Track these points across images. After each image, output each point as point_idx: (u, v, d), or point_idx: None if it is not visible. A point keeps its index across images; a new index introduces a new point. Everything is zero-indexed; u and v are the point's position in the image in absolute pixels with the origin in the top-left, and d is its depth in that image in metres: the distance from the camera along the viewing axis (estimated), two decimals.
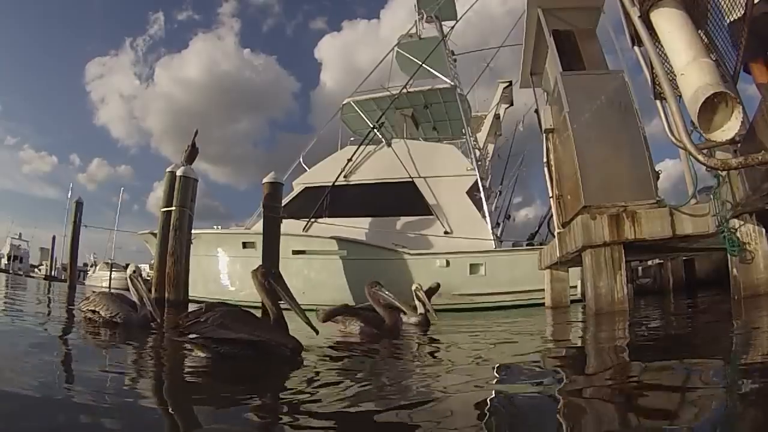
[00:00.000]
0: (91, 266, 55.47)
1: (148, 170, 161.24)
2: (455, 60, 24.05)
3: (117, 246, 61.28)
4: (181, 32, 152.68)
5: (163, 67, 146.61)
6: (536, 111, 13.84)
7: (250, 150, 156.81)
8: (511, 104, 24.14)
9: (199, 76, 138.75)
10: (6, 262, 69.05)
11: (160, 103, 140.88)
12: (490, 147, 23.54)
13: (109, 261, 56.62)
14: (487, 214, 18.09)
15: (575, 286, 14.39)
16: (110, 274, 50.28)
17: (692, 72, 4.89)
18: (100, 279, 52.96)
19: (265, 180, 16.27)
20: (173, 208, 15.28)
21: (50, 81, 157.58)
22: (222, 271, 20.08)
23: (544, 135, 12.44)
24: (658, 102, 7.38)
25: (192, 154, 16.43)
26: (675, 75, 5.30)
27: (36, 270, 73.27)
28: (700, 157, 4.96)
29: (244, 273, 18.15)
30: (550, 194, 12.31)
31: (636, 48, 6.98)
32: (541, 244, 16.83)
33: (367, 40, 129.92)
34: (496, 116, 23.80)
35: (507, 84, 23.82)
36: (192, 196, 15.66)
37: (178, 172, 15.60)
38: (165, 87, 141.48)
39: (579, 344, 6.66)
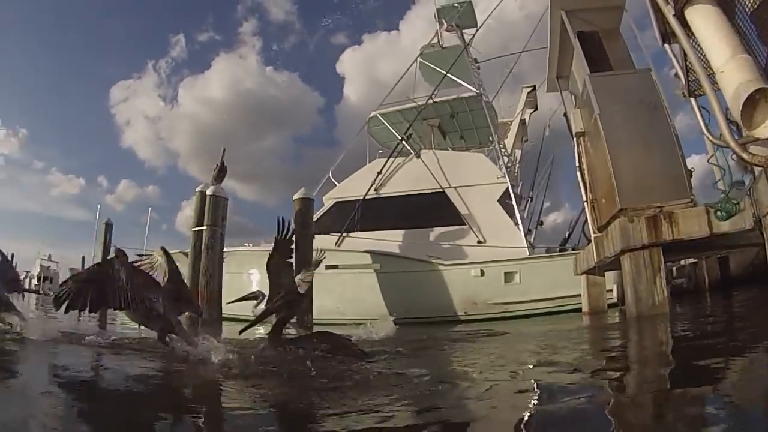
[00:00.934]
0: None
1: (175, 190, 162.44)
2: (478, 67, 23.93)
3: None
4: (203, 53, 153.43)
5: (187, 88, 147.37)
6: (565, 115, 13.70)
7: (277, 166, 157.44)
8: (536, 109, 23.92)
9: (223, 95, 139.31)
10: (36, 283, 69.67)
11: (186, 123, 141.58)
12: (518, 153, 23.33)
13: None
14: (519, 221, 17.93)
15: (611, 290, 14.24)
16: None
17: (732, 69, 4.84)
18: None
19: (295, 196, 16.34)
20: (204, 227, 15.34)
21: (76, 106, 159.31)
22: (254, 288, 19.61)
23: (574, 139, 12.34)
24: (692, 100, 7.27)
25: (221, 173, 16.49)
26: (712, 72, 5.25)
27: None
28: (744, 155, 4.90)
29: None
30: (584, 198, 12.15)
31: (666, 46, 6.89)
32: (573, 249, 16.77)
33: (388, 52, 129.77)
34: (522, 122, 23.62)
35: (531, 88, 23.68)
36: (223, 214, 15.69)
37: (208, 192, 15.67)
38: (190, 107, 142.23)
39: (625, 351, 6.56)
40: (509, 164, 20.56)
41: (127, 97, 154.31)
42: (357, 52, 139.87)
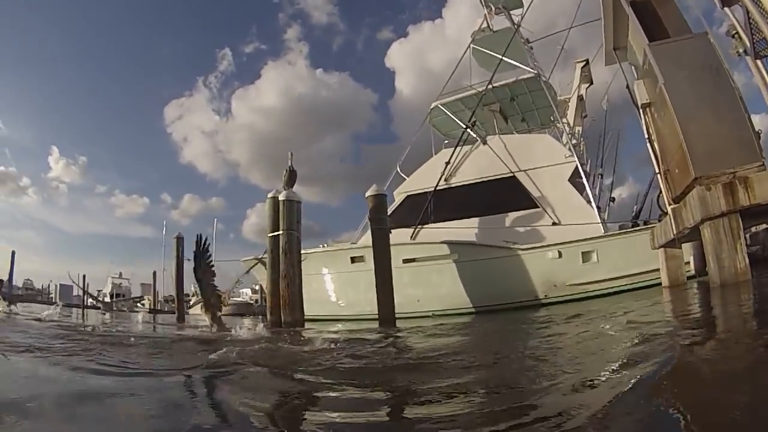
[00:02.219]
0: (193, 296, 57.29)
1: (239, 199, 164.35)
2: (531, 47, 23.61)
3: (218, 275, 62.89)
4: (251, 63, 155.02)
5: (240, 100, 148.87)
6: (627, 87, 13.65)
7: (338, 166, 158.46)
8: (591, 83, 23.58)
9: (277, 102, 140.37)
10: (109, 300, 71.70)
11: (243, 134, 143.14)
12: (578, 129, 22.86)
13: None
14: (591, 198, 17.88)
15: (688, 262, 14.05)
16: None
17: None
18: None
19: (368, 194, 16.59)
20: (280, 232, 15.68)
21: (132, 129, 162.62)
22: (333, 288, 20.48)
23: (640, 110, 12.26)
24: (758, 62, 7.35)
25: (292, 178, 16.88)
26: None
27: (139, 305, 76.02)
28: None
29: (354, 288, 18.96)
30: (657, 170, 12.06)
31: (726, 9, 7.01)
32: (645, 223, 16.61)
33: (435, 41, 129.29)
34: (580, 98, 23.26)
35: (584, 63, 23.31)
36: (297, 218, 15.99)
37: (281, 197, 16.04)
38: (245, 118, 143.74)
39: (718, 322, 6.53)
40: (574, 142, 20.36)
41: (181, 115, 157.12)
42: (404, 45, 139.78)
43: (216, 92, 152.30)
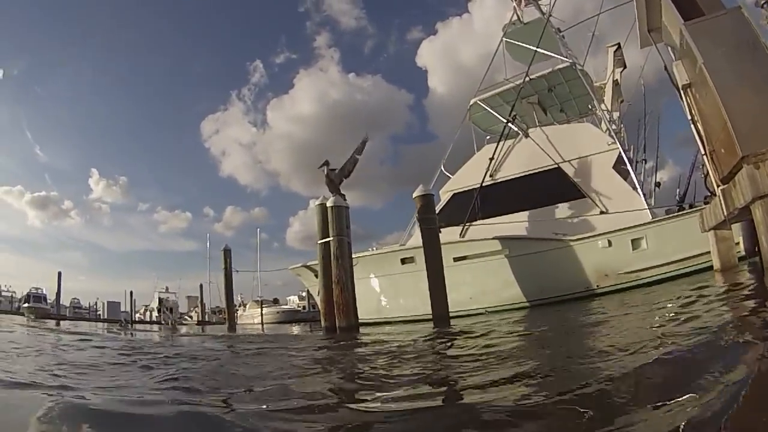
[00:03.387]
0: (240, 306, 57.88)
1: (281, 208, 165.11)
2: (563, 36, 23.48)
3: (263, 283, 64.08)
4: (283, 74, 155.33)
5: (275, 110, 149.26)
6: (666, 69, 13.58)
7: (378, 169, 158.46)
8: (625, 67, 23.08)
9: (312, 110, 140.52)
10: (156, 315, 72.82)
11: (281, 143, 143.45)
12: (615, 115, 22.69)
13: (259, 298, 59.20)
14: (637, 185, 17.67)
15: (738, 243, 13.72)
16: (261, 311, 52.29)
17: None
18: (251, 316, 55.35)
19: (415, 194, 16.90)
20: (331, 238, 15.96)
21: (170, 147, 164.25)
22: (384, 291, 20.64)
23: (681, 92, 12.22)
24: None
25: (332, 185, 17.24)
26: None
27: (186, 317, 77.14)
28: None
29: (405, 290, 19.16)
30: (702, 151, 11.93)
31: None
32: (690, 206, 16.47)
33: (464, 36, 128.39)
34: (615, 82, 22.93)
35: (616, 47, 22.72)
36: (346, 223, 16.27)
37: (329, 203, 16.35)
38: (281, 127, 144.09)
39: None
40: (615, 128, 20.21)
41: (218, 129, 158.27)
42: (433, 43, 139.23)
43: (250, 104, 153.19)
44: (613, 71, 22.78)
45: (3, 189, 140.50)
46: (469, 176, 20.73)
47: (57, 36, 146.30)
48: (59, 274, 62.40)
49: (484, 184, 19.62)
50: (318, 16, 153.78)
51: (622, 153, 18.08)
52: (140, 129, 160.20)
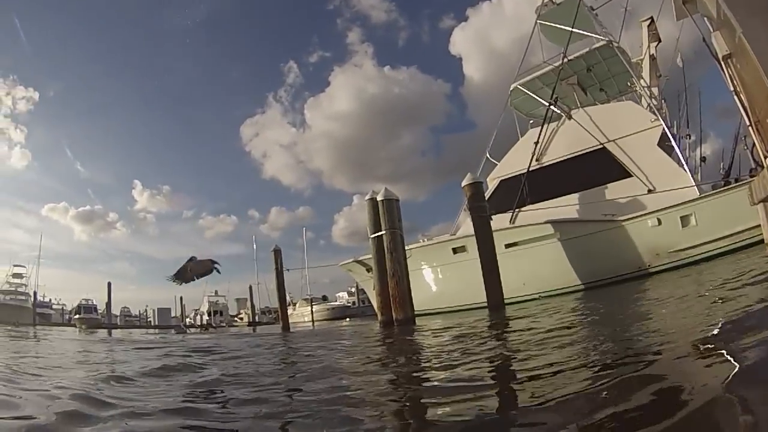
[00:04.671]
0: (290, 305, 58.75)
1: (325, 206, 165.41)
2: (596, 14, 23.18)
3: (311, 282, 64.69)
4: (318, 72, 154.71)
5: (313, 109, 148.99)
6: (704, 40, 13.46)
7: (419, 160, 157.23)
8: (660, 41, 22.71)
9: (350, 106, 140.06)
10: (207, 318, 73.88)
11: (321, 141, 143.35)
12: (655, 91, 21.89)
13: (308, 297, 59.75)
14: (683, 161, 17.56)
15: None
16: (311, 308, 52.76)
17: None
18: (302, 315, 55.95)
19: (464, 183, 17.01)
20: (383, 231, 16.08)
21: (211, 153, 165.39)
22: (437, 280, 20.86)
23: (721, 63, 12.11)
24: None
25: (187, 274, 17.62)
26: None
27: (236, 319, 78.22)
28: None
29: (458, 279, 19.33)
30: (748, 122, 11.77)
31: None
32: (736, 180, 16.33)
33: (496, 21, 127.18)
34: (651, 57, 22.57)
35: (649, 21, 22.64)
36: (398, 216, 16.33)
37: (379, 197, 16.41)
38: (321, 126, 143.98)
39: None
40: (656, 104, 19.93)
41: (258, 132, 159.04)
42: (465, 30, 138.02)
43: (288, 105, 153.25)
44: (649, 46, 22.55)
45: (48, 206, 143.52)
46: (515, 162, 20.85)
47: (90, 54, 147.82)
48: (109, 284, 63.30)
49: (530, 169, 19.73)
50: (348, 12, 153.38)
51: (666, 129, 17.91)
52: (180, 138, 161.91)
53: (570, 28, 20.60)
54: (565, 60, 21.01)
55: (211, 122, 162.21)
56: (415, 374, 5.43)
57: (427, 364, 5.98)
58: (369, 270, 21.17)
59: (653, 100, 20.21)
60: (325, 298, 75.91)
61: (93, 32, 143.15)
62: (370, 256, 17.74)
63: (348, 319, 45.64)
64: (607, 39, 21.19)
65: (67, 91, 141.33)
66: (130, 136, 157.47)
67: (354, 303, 69.75)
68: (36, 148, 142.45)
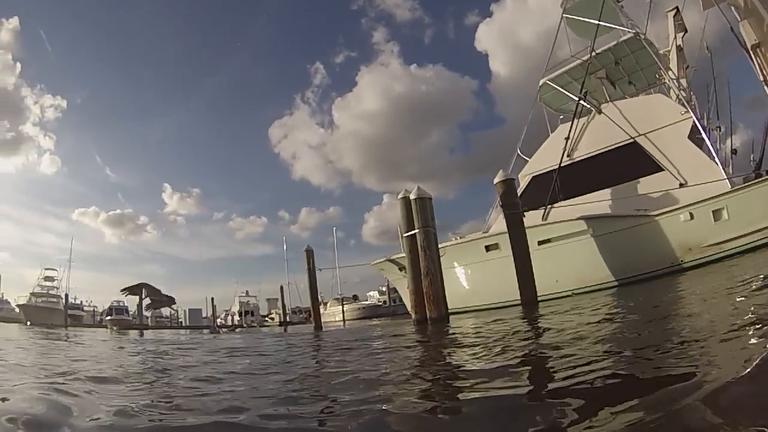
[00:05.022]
0: (321, 304, 59.23)
1: (355, 205, 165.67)
2: (622, 6, 22.82)
3: (342, 281, 65.17)
4: (345, 73, 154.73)
5: (340, 109, 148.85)
6: (732, 30, 13.36)
7: (448, 158, 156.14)
8: (686, 31, 22.80)
9: (378, 105, 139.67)
10: (238, 319, 74.66)
11: (350, 141, 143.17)
12: (683, 82, 21.89)
13: (339, 296, 60.11)
14: (714, 153, 17.24)
15: None
16: (342, 308, 53.05)
17: None
18: (333, 314, 56.26)
19: (496, 180, 17.13)
20: (417, 230, 16.12)
21: (240, 156, 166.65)
22: (469, 278, 20.85)
23: (750, 52, 12.02)
24: None
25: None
26: None
27: (267, 319, 78.90)
28: None
29: (491, 276, 19.34)
30: None
31: None
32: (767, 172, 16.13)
33: (520, 15, 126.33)
34: (678, 48, 22.59)
35: (674, 11, 22.58)
36: (431, 214, 16.37)
37: (412, 195, 16.46)
38: (349, 126, 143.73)
39: None
40: (684, 95, 19.64)
41: (286, 134, 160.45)
42: (490, 26, 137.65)
43: (315, 106, 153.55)
44: (675, 37, 22.49)
45: (78, 211, 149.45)
46: (547, 158, 20.78)
47: (116, 61, 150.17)
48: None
49: (562, 165, 19.61)
50: (372, 11, 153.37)
51: (696, 122, 17.69)
52: (209, 141, 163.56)
53: (596, 21, 20.50)
54: (593, 54, 20.88)
55: (239, 125, 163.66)
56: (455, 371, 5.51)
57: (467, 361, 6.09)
58: (401, 269, 21.30)
59: (682, 92, 19.97)
60: (355, 298, 77.30)
61: (118, 39, 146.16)
62: (402, 254, 17.82)
63: (378, 319, 45.67)
64: (633, 31, 20.98)
65: (94, 98, 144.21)
66: (159, 141, 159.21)
67: (385, 302, 70.25)
68: (65, 154, 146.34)
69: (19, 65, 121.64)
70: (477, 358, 6.08)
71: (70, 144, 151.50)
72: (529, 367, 5.06)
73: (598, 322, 8.10)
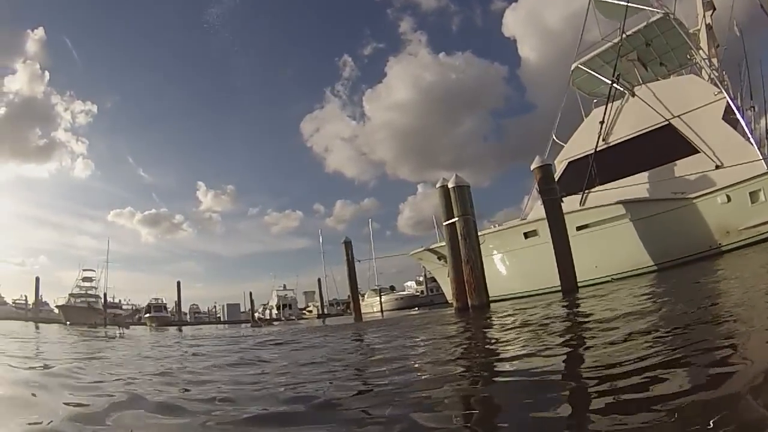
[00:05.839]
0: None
1: (390, 196, 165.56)
2: None
3: (378, 272, 65.60)
4: (373, 64, 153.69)
5: (371, 101, 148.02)
6: (761, 5, 13.27)
7: (481, 146, 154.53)
8: (714, 9, 21.96)
9: (408, 95, 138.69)
10: (276, 312, 75.59)
11: (382, 132, 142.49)
12: (714, 62, 21.36)
13: (376, 287, 60.60)
14: (749, 134, 17.05)
15: None
16: (380, 299, 53.41)
17: None
18: (370, 305, 56.55)
19: (533, 166, 17.22)
20: (456, 218, 16.37)
21: (273, 151, 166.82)
22: (509, 265, 20.90)
23: None
24: None
25: None
26: None
27: (305, 312, 79.80)
28: None
29: (530, 263, 19.42)
30: None
31: None
32: None
33: None
34: (708, 27, 21.84)
35: None
36: (470, 202, 16.57)
37: (450, 184, 16.72)
38: (381, 117, 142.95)
39: None
40: (716, 75, 19.63)
41: (318, 128, 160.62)
42: (517, 11, 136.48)
43: (346, 99, 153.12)
44: (704, 15, 21.95)
45: (114, 212, 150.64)
46: (582, 142, 20.84)
47: (143, 63, 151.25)
48: (178, 283, 66.13)
49: (597, 149, 19.62)
50: (397, 2, 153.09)
51: (730, 102, 17.61)
52: (241, 138, 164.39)
53: (625, 3, 20.34)
54: (624, 35, 20.78)
55: (271, 121, 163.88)
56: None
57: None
58: (440, 258, 21.56)
59: (714, 71, 19.89)
60: (392, 288, 77.64)
61: (144, 42, 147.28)
62: (441, 244, 18.05)
63: (416, 309, 45.75)
64: (663, 11, 20.86)
65: (123, 101, 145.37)
66: (191, 140, 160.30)
67: (422, 292, 70.42)
68: (98, 157, 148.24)
69: (47, 74, 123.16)
70: (536, 342, 6.19)
71: (102, 147, 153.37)
72: (578, 350, 5.23)
73: (642, 307, 8.05)
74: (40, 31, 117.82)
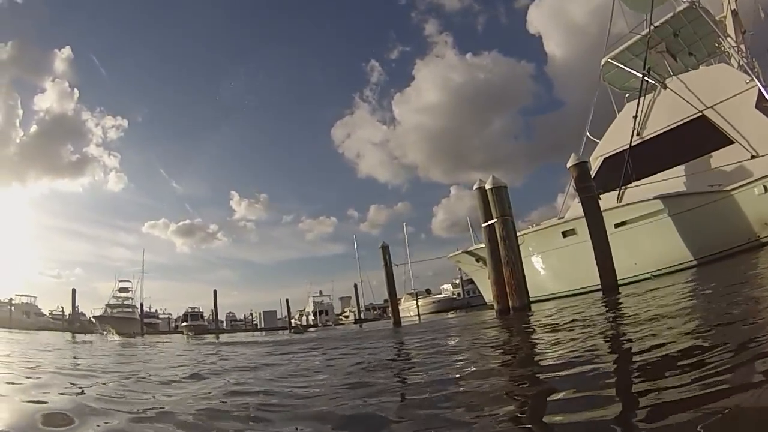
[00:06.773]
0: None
1: (423, 199, 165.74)
2: None
3: (414, 276, 65.94)
4: (401, 68, 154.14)
5: (401, 105, 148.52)
6: None
7: (512, 145, 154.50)
8: None
9: (438, 97, 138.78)
10: (313, 318, 76.28)
11: (413, 135, 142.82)
12: (742, 48, 21.11)
13: (413, 291, 60.86)
14: None
15: None
16: (417, 302, 53.52)
17: None
18: (407, 309, 56.76)
19: (569, 164, 17.16)
20: (495, 219, 16.37)
21: (305, 158, 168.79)
22: (547, 265, 20.92)
23: None
24: None
25: None
26: None
27: (342, 317, 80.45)
28: None
29: (570, 262, 19.43)
30: None
31: None
32: None
33: None
34: (734, 13, 21.70)
35: None
36: (508, 203, 16.53)
37: (487, 185, 16.77)
38: (411, 120, 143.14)
39: None
40: (746, 62, 19.43)
41: (349, 134, 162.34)
42: (540, 7, 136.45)
43: (375, 104, 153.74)
44: (729, 1, 21.91)
45: (148, 224, 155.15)
46: (616, 138, 20.81)
47: (171, 76, 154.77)
48: (215, 292, 67.03)
49: (632, 144, 19.58)
50: (421, 4, 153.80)
51: (762, 89, 17.40)
52: (272, 147, 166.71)
53: None
54: (651, 27, 20.77)
55: (301, 128, 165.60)
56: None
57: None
58: (479, 260, 21.72)
59: (743, 58, 19.77)
60: (428, 291, 78.14)
61: (172, 55, 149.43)
62: (479, 246, 18.15)
63: (453, 312, 45.61)
64: (689, 1, 20.77)
65: (154, 114, 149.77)
66: (222, 150, 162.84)
67: (459, 294, 70.16)
68: (131, 170, 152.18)
69: (76, 91, 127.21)
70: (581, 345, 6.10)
71: (134, 161, 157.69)
72: (627, 351, 5.23)
73: (687, 305, 8.13)
74: (67, 50, 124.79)
